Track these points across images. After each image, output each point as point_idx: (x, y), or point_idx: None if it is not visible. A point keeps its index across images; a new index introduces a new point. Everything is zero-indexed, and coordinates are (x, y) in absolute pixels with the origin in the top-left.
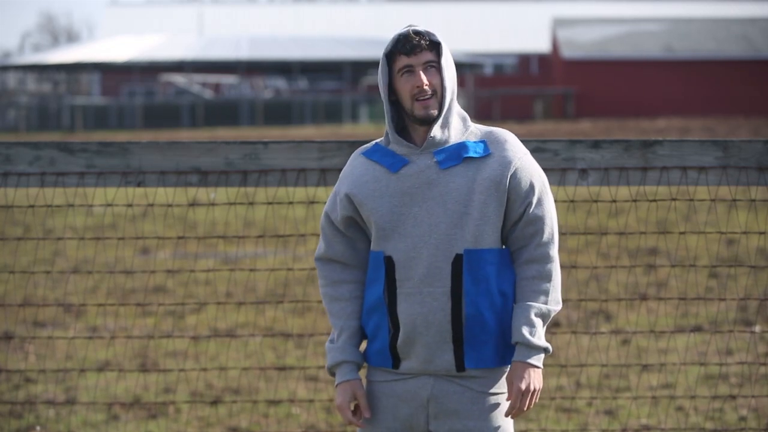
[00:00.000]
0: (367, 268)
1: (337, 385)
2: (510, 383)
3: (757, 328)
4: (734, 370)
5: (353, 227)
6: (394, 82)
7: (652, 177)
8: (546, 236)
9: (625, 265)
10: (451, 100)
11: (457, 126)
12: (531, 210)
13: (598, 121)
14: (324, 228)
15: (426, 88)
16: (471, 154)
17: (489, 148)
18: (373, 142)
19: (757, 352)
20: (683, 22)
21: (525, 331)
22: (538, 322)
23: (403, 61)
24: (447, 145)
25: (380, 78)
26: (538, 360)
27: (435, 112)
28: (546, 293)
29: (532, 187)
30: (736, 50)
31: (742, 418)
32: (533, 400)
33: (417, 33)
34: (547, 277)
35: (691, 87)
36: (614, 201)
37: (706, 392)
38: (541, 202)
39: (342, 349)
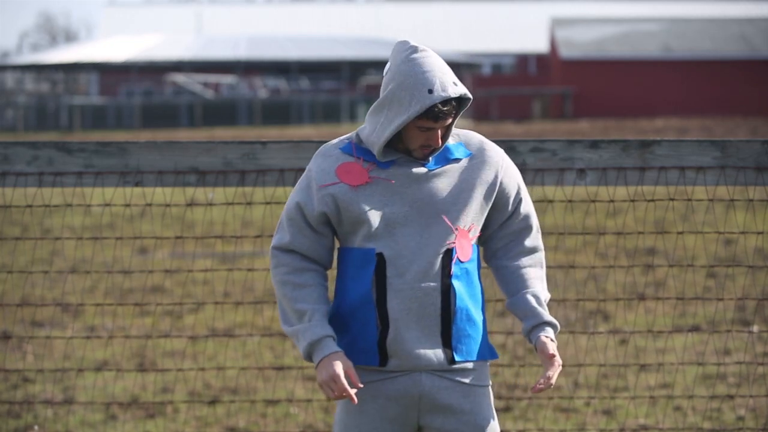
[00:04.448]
0: (326, 264)
1: (322, 359)
2: (547, 358)
3: (755, 328)
4: (732, 369)
5: (324, 225)
6: (406, 126)
7: (650, 177)
8: (535, 228)
9: (623, 265)
10: None
11: None
12: (520, 208)
13: (596, 121)
14: (293, 219)
15: (438, 145)
16: (456, 155)
17: (468, 149)
18: (345, 140)
19: (754, 352)
20: (681, 22)
21: (542, 311)
22: (545, 303)
23: (428, 123)
24: None
25: (397, 118)
26: (556, 335)
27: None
28: (542, 280)
29: (518, 186)
30: (734, 50)
31: (740, 418)
32: None
33: (448, 102)
34: (541, 264)
35: (690, 87)
36: (612, 201)
37: (703, 392)
38: (525, 199)
39: (321, 326)
